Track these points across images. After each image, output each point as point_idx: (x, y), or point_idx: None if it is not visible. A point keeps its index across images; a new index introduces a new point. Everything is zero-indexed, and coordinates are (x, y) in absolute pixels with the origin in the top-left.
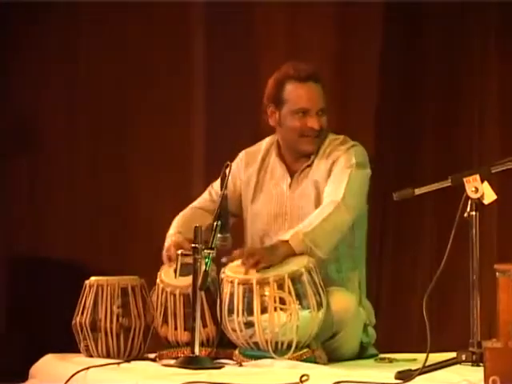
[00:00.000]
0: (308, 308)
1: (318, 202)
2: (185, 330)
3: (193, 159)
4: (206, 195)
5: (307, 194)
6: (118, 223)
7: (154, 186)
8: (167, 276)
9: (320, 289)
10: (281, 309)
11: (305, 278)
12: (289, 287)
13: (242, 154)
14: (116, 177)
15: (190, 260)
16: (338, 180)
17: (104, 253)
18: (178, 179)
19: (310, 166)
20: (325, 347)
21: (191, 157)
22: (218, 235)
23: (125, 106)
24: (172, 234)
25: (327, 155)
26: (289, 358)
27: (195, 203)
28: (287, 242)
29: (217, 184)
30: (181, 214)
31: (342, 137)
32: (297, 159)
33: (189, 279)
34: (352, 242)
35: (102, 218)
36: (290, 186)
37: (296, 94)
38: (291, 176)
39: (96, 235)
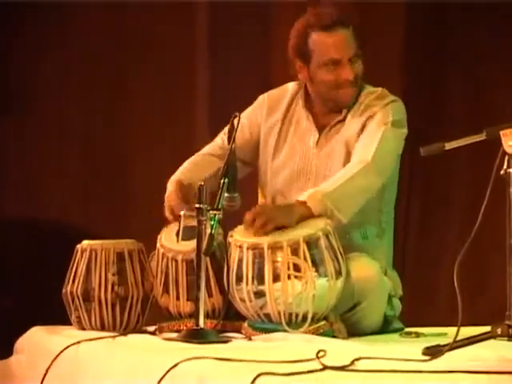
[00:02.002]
0: (325, 276)
1: (347, 163)
2: (188, 299)
3: (196, 113)
4: (217, 141)
5: (336, 153)
6: (114, 183)
7: (153, 143)
8: (168, 240)
9: (339, 255)
10: (295, 276)
11: (322, 242)
12: (304, 252)
13: (263, 98)
14: (112, 136)
15: (193, 222)
16: (370, 138)
17: (99, 215)
18: (179, 136)
19: (341, 121)
20: (344, 320)
21: (194, 110)
22: (225, 194)
23: (123, 68)
24: (171, 182)
25: (362, 111)
26: (304, 332)
27: (204, 150)
28: (304, 202)
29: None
30: (187, 160)
31: (379, 89)
32: (327, 113)
33: (192, 243)
34: (380, 207)
35: (97, 178)
36: (317, 142)
37: (322, 44)
38: (319, 131)
39: (91, 197)
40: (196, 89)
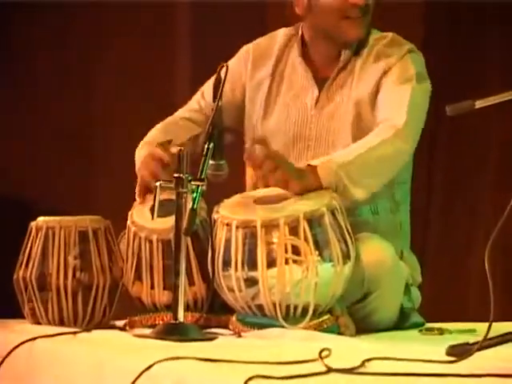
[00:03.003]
0: (330, 260)
1: (358, 126)
2: (164, 288)
3: (177, 64)
4: (193, 105)
5: (342, 113)
6: (77, 148)
7: (126, 101)
8: (141, 216)
9: (347, 235)
10: (294, 261)
11: (327, 220)
12: (305, 232)
13: (247, 48)
14: (79, 94)
15: (171, 195)
16: (397, 98)
17: (59, 187)
18: (157, 91)
19: (343, 68)
20: (353, 313)
21: (174, 62)
22: (210, 162)
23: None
24: (139, 149)
25: (374, 60)
26: (303, 327)
27: (179, 113)
28: (315, 168)
29: (209, 91)
30: (157, 125)
31: (389, 35)
32: (329, 62)
33: (170, 221)
34: (393, 177)
35: (58, 141)
36: (316, 100)
37: None
38: (319, 87)
39: (50, 165)
40: (176, 37)
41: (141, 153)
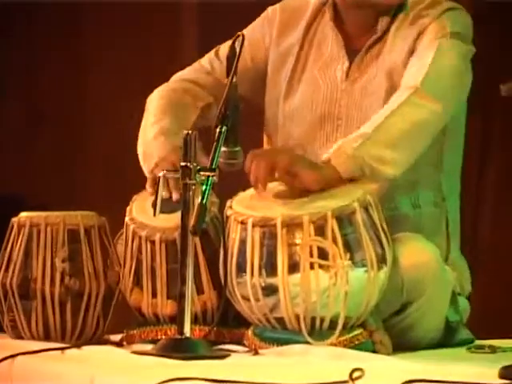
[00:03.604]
0: (363, 265)
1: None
2: (168, 297)
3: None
4: (204, 64)
5: (375, 87)
6: (66, 131)
7: (120, 75)
8: (141, 212)
9: (383, 235)
10: (320, 266)
11: (359, 217)
12: (333, 232)
13: (273, 9)
14: (66, 68)
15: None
16: (420, 58)
17: (45, 179)
18: (160, 58)
19: (380, 39)
20: (389, 327)
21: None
22: (223, 149)
23: None
24: (153, 138)
25: (409, 23)
26: (331, 344)
27: (184, 74)
28: (328, 161)
29: (225, 52)
30: (158, 93)
31: None
32: (363, 32)
33: (175, 218)
34: (437, 162)
35: (43, 126)
36: (347, 72)
37: None
38: (350, 58)
39: (35, 153)
40: None
41: (153, 144)
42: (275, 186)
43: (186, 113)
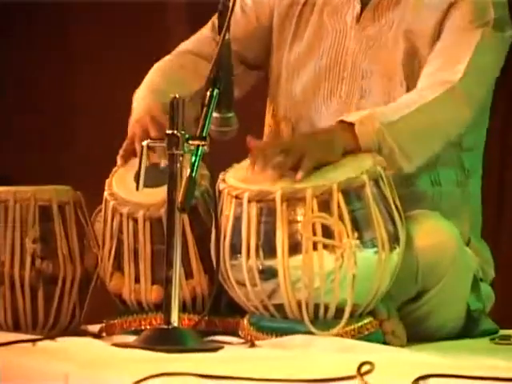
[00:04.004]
0: (373, 245)
1: (411, 64)
2: (153, 282)
3: None
4: (205, 33)
5: (389, 40)
6: (41, 104)
7: (113, 72)
8: (123, 186)
9: (395, 212)
10: (325, 246)
11: (368, 191)
12: (340, 208)
13: None
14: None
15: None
16: (459, 45)
17: (17, 151)
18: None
19: None
20: (403, 316)
21: None
22: (215, 114)
23: None
24: (141, 98)
25: None
26: (338, 334)
27: (186, 45)
28: (352, 125)
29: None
30: (160, 62)
31: None
32: None
33: (161, 192)
34: (459, 140)
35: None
36: (358, 17)
37: None
38: (363, 1)
39: (6, 126)
40: None
41: (140, 103)
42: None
43: (187, 79)
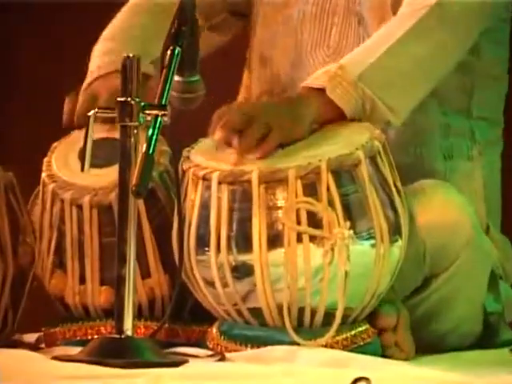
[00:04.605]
0: (370, 237)
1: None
2: (102, 283)
3: None
4: None
5: None
6: None
7: None
8: (64, 166)
9: (396, 196)
10: (312, 238)
11: (364, 171)
12: (329, 191)
13: None
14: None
15: (113, 132)
16: None
17: None
18: None
19: None
20: (408, 310)
21: None
22: (176, 78)
23: None
24: (96, 57)
25: None
26: (327, 345)
27: None
28: (320, 91)
29: None
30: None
31: None
32: None
33: (111, 173)
34: (466, 105)
35: None
36: None
37: None
38: None
39: None
40: None
41: (95, 61)
42: None
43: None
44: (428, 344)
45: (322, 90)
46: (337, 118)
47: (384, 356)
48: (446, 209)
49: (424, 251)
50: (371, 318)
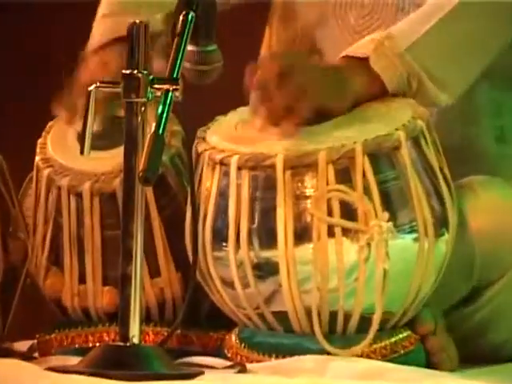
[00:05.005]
0: (412, 230)
1: None
2: (104, 283)
3: None
4: None
5: None
6: None
7: None
8: (61, 148)
9: (443, 183)
10: (345, 231)
11: (405, 155)
12: (366, 178)
13: None
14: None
15: (117, 109)
16: None
17: None
18: None
19: None
20: (454, 325)
21: None
22: (189, 48)
23: None
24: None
25: None
26: (362, 354)
27: None
28: (364, 60)
29: None
30: None
31: None
32: None
33: (114, 157)
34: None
35: None
36: None
37: None
38: None
39: None
40: None
41: (94, 34)
42: None
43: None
44: (482, 355)
45: (364, 60)
46: (379, 93)
47: (429, 366)
48: (500, 212)
49: (473, 258)
50: (408, 323)
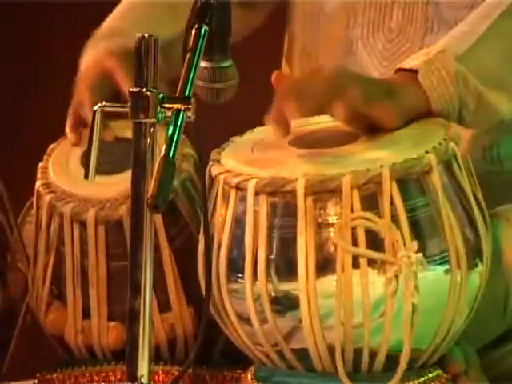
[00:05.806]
0: (443, 262)
1: None
2: (110, 318)
3: None
4: None
5: None
6: None
7: None
8: (64, 173)
9: (476, 211)
10: (371, 262)
11: (436, 180)
12: (394, 205)
13: None
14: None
15: (125, 130)
16: None
17: None
18: None
19: None
20: (487, 365)
21: None
22: (203, 64)
23: None
24: (91, 45)
25: None
26: None
27: None
28: (414, 73)
29: None
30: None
31: None
32: None
33: (121, 182)
34: None
35: None
36: None
37: None
38: None
39: None
40: None
41: (90, 52)
42: (301, 123)
43: (156, 16)
44: None
45: (414, 73)
46: (424, 110)
47: None
48: None
49: (508, 293)
50: (438, 362)
